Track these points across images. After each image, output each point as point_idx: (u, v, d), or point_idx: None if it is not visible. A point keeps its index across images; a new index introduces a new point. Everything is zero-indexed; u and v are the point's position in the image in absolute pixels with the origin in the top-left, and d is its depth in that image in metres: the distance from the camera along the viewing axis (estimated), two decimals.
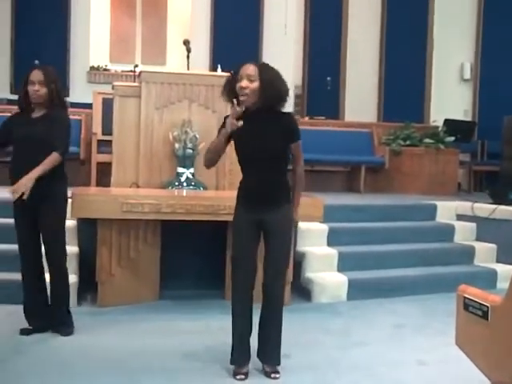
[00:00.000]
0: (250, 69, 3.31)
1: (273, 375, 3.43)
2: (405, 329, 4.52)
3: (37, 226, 3.97)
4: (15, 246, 4.08)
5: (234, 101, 3.28)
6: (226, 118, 3.40)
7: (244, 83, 3.28)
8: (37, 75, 3.86)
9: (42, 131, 3.84)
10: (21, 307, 4.09)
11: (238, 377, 3.41)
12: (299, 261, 5.38)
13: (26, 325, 4.03)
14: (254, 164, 3.37)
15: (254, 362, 3.50)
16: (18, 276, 4.49)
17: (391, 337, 4.33)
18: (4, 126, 4.01)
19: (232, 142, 3.44)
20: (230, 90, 3.38)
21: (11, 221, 4.07)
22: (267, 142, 3.31)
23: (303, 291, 5.29)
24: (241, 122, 3.26)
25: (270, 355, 3.48)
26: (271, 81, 3.31)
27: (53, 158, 3.79)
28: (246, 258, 3.40)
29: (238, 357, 3.47)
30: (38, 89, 3.85)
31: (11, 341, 3.88)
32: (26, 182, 3.65)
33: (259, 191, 3.37)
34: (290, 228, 3.47)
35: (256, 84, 3.29)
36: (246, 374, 3.43)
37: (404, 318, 4.78)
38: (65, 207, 4.07)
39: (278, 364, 3.49)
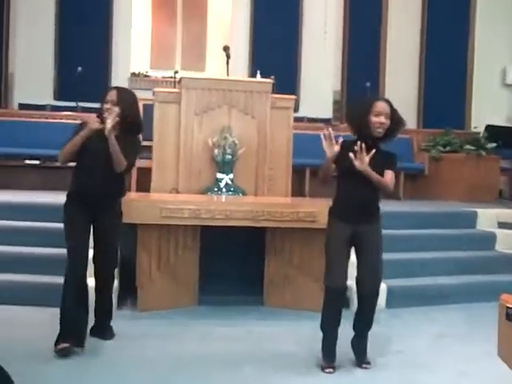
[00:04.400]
0: (388, 108, 3.67)
1: (364, 365, 3.77)
2: (446, 338, 4.46)
3: (90, 230, 4.01)
4: (59, 251, 4.13)
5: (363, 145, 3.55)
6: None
7: (383, 119, 3.63)
8: (111, 95, 3.94)
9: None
10: None
11: (327, 370, 3.62)
12: None
13: None
14: (356, 179, 3.65)
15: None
16: (59, 279, 4.58)
17: (432, 346, 4.28)
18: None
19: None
20: (361, 118, 3.66)
21: (48, 225, 4.11)
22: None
23: None
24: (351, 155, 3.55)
25: (364, 351, 3.83)
26: (399, 120, 3.73)
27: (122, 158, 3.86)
28: (339, 268, 3.85)
29: (329, 357, 3.70)
30: (109, 107, 3.89)
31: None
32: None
33: (360, 204, 3.78)
34: (381, 240, 3.94)
35: (389, 122, 3.67)
36: (334, 368, 3.66)
37: (445, 327, 4.72)
38: (121, 218, 4.17)
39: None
